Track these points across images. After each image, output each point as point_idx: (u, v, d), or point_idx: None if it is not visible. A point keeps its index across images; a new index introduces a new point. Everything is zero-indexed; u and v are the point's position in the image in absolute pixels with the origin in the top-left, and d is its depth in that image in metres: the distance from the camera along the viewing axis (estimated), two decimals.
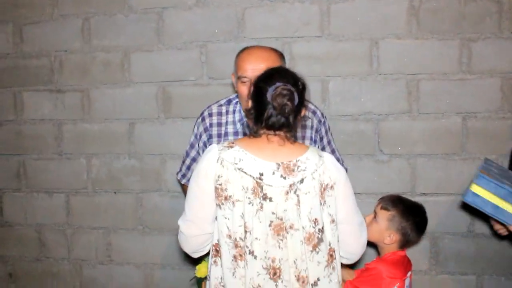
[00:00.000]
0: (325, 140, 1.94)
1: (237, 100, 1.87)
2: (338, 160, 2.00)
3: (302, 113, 1.43)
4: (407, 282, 1.71)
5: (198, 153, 1.91)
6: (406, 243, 1.78)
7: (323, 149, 1.95)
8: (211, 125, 1.86)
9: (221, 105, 1.89)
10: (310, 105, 1.88)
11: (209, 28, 2.38)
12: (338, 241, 1.44)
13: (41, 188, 2.61)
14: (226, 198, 1.38)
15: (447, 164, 2.24)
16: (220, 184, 1.38)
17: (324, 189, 1.40)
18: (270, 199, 1.37)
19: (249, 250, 1.36)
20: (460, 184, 2.19)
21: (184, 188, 2.00)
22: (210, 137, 1.86)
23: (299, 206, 1.38)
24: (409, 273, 1.73)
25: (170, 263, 2.50)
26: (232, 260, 1.39)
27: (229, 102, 1.90)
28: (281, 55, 1.79)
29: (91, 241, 2.57)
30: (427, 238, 2.28)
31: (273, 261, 1.37)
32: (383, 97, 2.28)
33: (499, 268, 2.24)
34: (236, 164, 1.38)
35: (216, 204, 1.39)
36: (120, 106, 2.49)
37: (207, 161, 1.40)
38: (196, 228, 1.43)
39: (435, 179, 2.26)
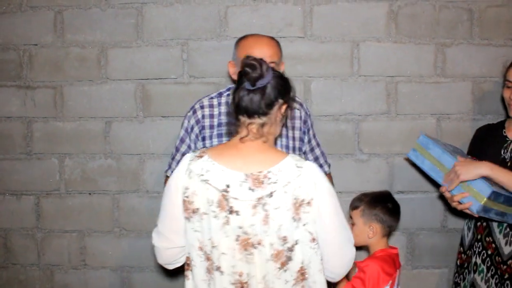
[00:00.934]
0: (311, 132, 2.01)
1: (228, 92, 1.88)
2: (322, 154, 2.06)
3: (283, 109, 1.35)
4: (397, 280, 1.78)
5: (189, 147, 1.89)
6: (388, 229, 1.85)
7: (310, 140, 2.01)
8: (203, 116, 1.86)
9: (212, 98, 1.91)
10: (296, 99, 1.95)
11: (190, 25, 2.35)
12: (321, 259, 1.35)
13: (7, 190, 2.45)
14: (193, 211, 1.33)
15: None
16: (187, 197, 1.33)
17: (299, 205, 1.29)
18: (237, 213, 1.30)
19: (216, 266, 1.32)
20: (434, 182, 2.30)
21: None
22: (202, 128, 1.85)
23: (267, 221, 1.29)
24: (398, 271, 1.80)
25: (148, 265, 2.44)
26: (206, 272, 1.35)
27: (220, 94, 1.92)
28: (280, 45, 1.85)
29: (64, 246, 2.45)
30: (403, 234, 2.38)
31: (240, 275, 1.32)
32: (363, 98, 2.35)
33: None
34: (202, 175, 1.32)
35: (185, 217, 1.35)
36: (96, 104, 2.39)
37: (177, 173, 1.37)
38: (167, 241, 1.39)
39: (411, 178, 2.36)
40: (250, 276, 1.32)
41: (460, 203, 1.76)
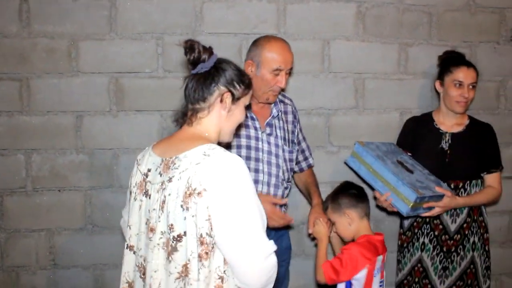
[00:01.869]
0: (298, 127, 2.13)
1: None
2: (308, 147, 2.17)
3: (225, 97, 1.29)
4: (378, 264, 1.90)
5: None
6: (361, 210, 1.96)
7: (297, 134, 2.12)
8: None
9: None
10: (285, 94, 2.11)
11: (166, 19, 2.34)
12: (223, 261, 1.24)
13: None
14: (130, 193, 1.42)
15: None
16: (130, 183, 1.43)
17: (189, 194, 1.20)
18: (149, 197, 1.30)
19: (127, 245, 1.38)
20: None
21: None
22: None
23: (163, 207, 1.25)
24: (380, 257, 1.92)
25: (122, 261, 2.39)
26: (126, 249, 1.42)
27: None
28: None
29: (31, 246, 2.34)
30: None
31: (144, 260, 1.31)
32: (333, 94, 2.47)
33: None
34: (137, 161, 1.42)
35: (128, 198, 1.47)
36: (66, 98, 2.31)
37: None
38: (122, 220, 1.58)
39: None
40: (147, 262, 1.29)
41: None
